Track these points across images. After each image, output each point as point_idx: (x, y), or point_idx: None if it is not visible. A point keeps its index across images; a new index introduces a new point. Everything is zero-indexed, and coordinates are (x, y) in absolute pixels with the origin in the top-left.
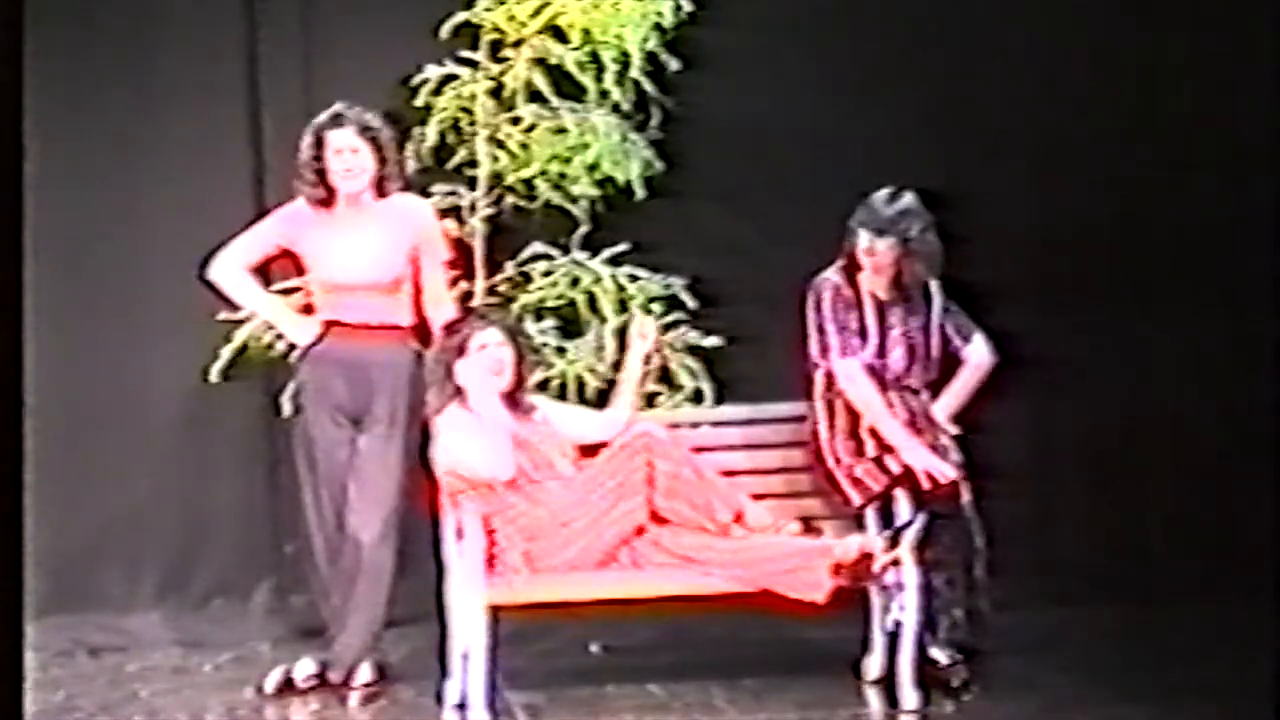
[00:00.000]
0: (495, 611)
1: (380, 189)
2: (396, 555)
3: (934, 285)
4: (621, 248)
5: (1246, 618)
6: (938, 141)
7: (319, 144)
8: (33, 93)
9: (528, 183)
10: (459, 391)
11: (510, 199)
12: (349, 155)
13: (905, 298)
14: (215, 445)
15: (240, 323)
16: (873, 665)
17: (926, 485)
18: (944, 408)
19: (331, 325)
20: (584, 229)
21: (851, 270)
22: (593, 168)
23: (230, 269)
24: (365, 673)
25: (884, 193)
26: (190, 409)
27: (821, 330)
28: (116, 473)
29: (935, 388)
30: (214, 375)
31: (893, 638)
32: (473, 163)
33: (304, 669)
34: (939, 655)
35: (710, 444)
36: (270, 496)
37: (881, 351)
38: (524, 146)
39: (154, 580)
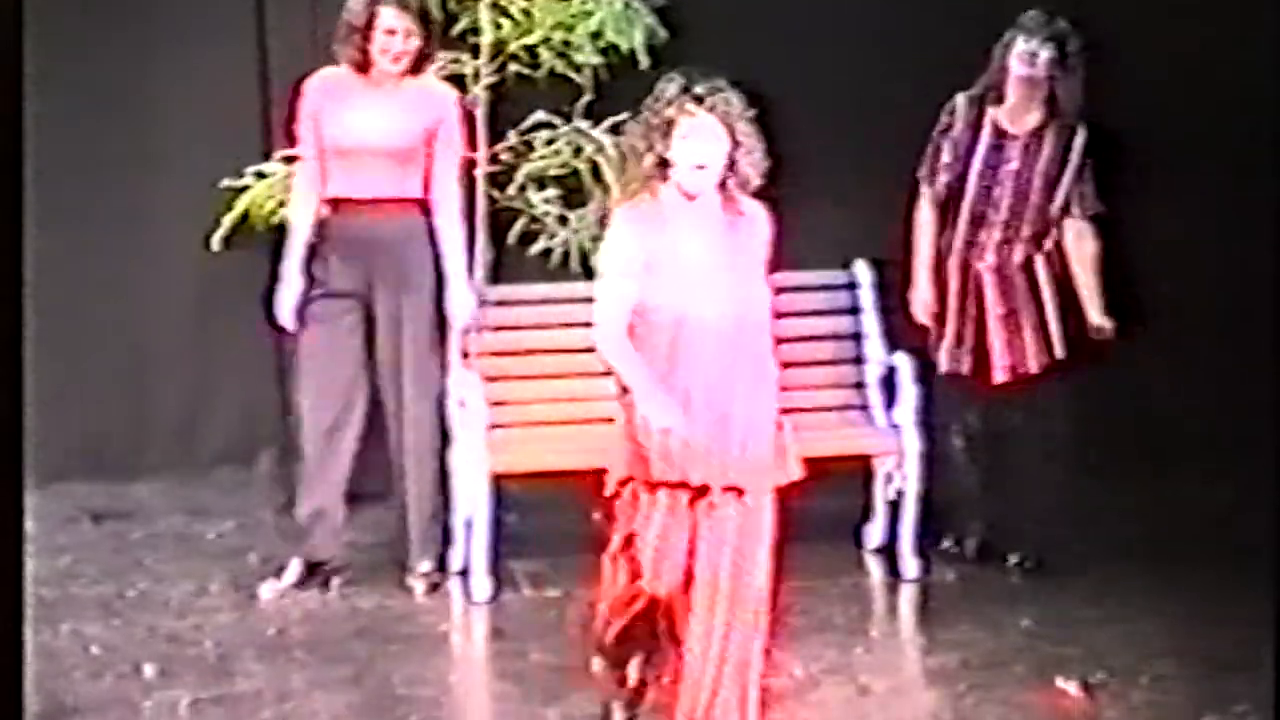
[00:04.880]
0: (498, 480)
1: (418, 67)
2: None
3: (1080, 136)
4: (625, 116)
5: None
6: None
7: (370, 19)
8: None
9: (531, 50)
10: (663, 173)
11: (513, 67)
12: (399, 38)
13: (1038, 134)
14: (219, 313)
15: (243, 190)
16: (874, 533)
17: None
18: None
19: (339, 203)
20: (587, 97)
21: (985, 95)
22: (596, 35)
23: (301, 214)
24: None
25: (1035, 11)
26: (194, 276)
27: (924, 150)
28: (120, 340)
29: None
30: (216, 243)
31: (894, 506)
32: (475, 30)
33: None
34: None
35: None
36: (274, 364)
37: (987, 187)
38: (527, 14)
39: (158, 447)
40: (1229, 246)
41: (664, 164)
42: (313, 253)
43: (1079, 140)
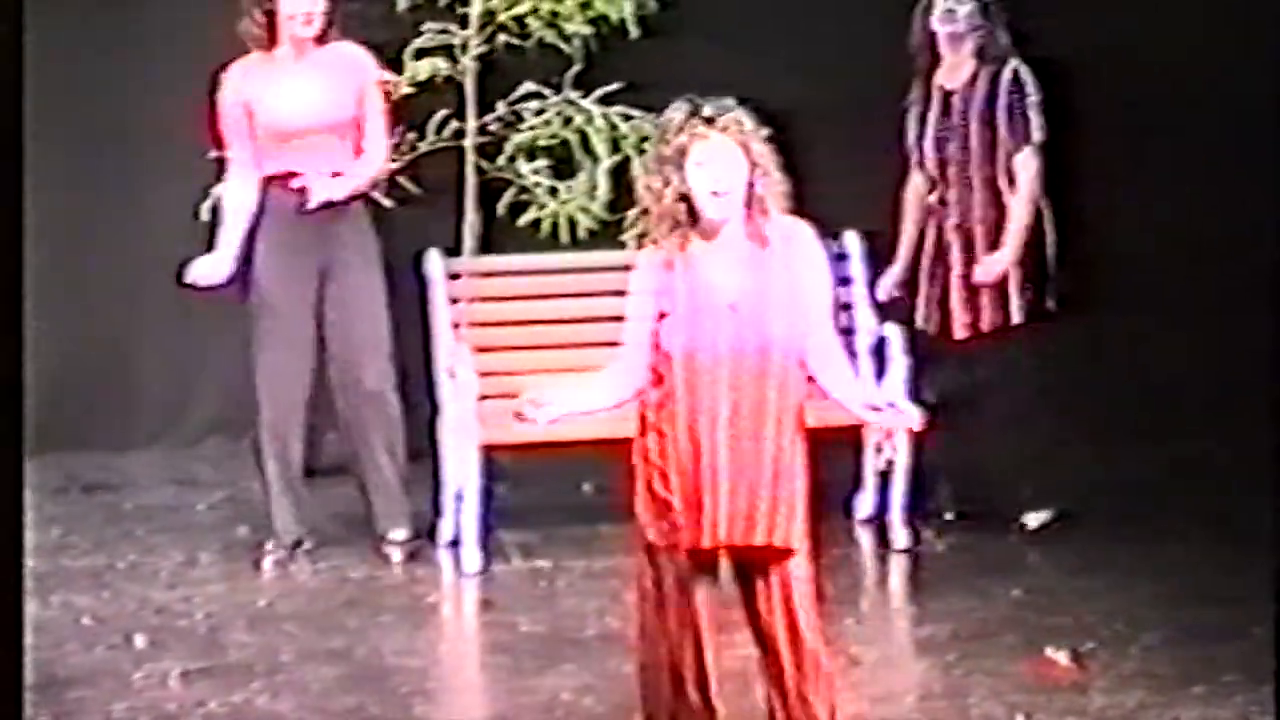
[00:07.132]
0: (488, 451)
1: (324, 35)
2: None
3: (1008, 70)
4: (614, 87)
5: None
6: None
7: None
8: None
9: (520, 20)
10: (688, 213)
11: (502, 37)
12: (306, 1)
13: (972, 83)
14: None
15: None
16: (863, 504)
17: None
18: (995, 260)
19: (276, 180)
20: (577, 68)
21: (921, 60)
22: (586, 5)
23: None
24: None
25: None
26: (185, 247)
27: None
28: (111, 311)
29: None
30: (204, 213)
31: (884, 477)
32: (464, 0)
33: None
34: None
35: None
36: None
37: (941, 145)
38: None
39: (148, 419)
40: (1220, 198)
41: (685, 200)
42: (254, 233)
43: (1006, 75)
